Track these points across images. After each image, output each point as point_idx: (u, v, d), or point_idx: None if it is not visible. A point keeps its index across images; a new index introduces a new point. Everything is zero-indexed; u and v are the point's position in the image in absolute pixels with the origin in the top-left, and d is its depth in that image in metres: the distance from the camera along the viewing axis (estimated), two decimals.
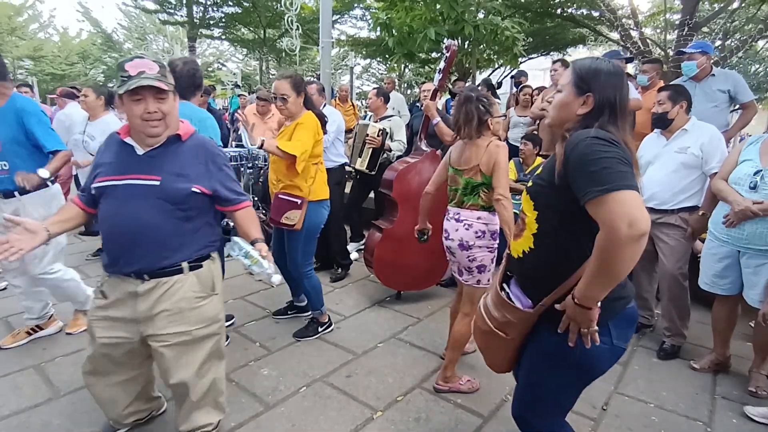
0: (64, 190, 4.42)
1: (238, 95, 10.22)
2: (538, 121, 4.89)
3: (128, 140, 1.73)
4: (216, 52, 26.45)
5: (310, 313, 3.15)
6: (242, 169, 5.19)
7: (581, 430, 2.16)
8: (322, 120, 2.90)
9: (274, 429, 2.17)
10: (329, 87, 6.06)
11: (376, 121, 4.32)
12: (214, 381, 1.89)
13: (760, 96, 14.50)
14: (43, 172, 2.67)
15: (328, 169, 2.93)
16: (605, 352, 1.33)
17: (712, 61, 3.77)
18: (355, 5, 16.79)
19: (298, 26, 7.41)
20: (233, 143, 6.99)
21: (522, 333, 1.42)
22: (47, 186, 2.75)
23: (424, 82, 7.50)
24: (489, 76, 11.88)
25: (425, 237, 2.72)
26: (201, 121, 2.51)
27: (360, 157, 4.23)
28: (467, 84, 7.10)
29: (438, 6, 7.23)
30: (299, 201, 2.77)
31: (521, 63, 9.00)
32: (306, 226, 2.82)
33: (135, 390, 1.99)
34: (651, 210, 2.74)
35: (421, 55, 8.96)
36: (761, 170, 2.34)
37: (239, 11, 17.89)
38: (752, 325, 2.70)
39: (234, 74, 20.11)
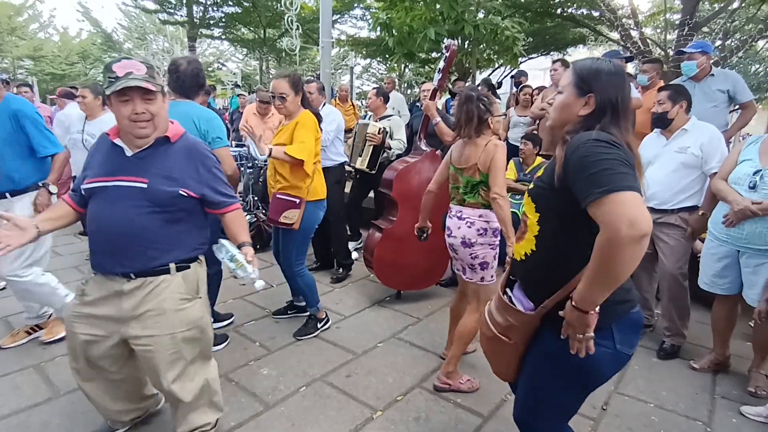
0: (63, 191, 4.42)
1: (238, 95, 10.22)
2: (537, 121, 4.89)
3: (117, 141, 1.73)
4: (216, 51, 26.45)
5: (308, 312, 3.16)
6: (242, 168, 5.20)
7: (581, 430, 2.16)
8: (318, 119, 2.91)
9: (273, 428, 2.17)
10: (329, 87, 6.07)
11: (376, 121, 4.32)
12: (206, 382, 1.88)
13: (760, 96, 14.49)
14: (53, 188, 2.71)
15: (327, 168, 2.95)
16: (607, 356, 1.31)
17: (711, 61, 3.77)
18: (355, 5, 16.81)
19: (298, 26, 7.41)
20: (233, 143, 6.99)
21: (525, 337, 1.41)
22: (38, 188, 2.73)
23: (424, 82, 7.49)
24: (489, 75, 11.87)
25: (425, 235, 2.73)
26: (209, 121, 2.51)
27: (360, 156, 4.23)
28: (467, 84, 7.10)
29: (438, 6, 7.23)
30: (298, 200, 2.78)
31: (521, 63, 9.01)
32: (302, 226, 2.83)
33: (123, 389, 1.96)
34: (651, 210, 2.74)
35: (421, 54, 8.96)
36: (761, 170, 2.35)
37: (239, 11, 17.91)
38: (752, 324, 2.70)
39: (234, 74, 20.10)
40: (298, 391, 2.45)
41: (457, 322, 2.74)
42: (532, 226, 1.38)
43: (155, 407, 2.20)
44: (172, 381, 1.77)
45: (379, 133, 4.10)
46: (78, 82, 14.85)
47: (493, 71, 13.40)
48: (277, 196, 2.81)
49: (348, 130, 5.21)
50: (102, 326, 1.75)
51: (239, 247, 1.80)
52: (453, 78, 7.95)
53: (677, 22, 9.66)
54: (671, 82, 3.65)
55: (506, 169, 2.51)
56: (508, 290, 1.49)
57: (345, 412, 2.30)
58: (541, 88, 5.47)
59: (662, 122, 2.82)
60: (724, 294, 2.58)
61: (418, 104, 5.41)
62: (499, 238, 2.41)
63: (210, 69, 23.80)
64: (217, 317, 3.06)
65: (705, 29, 11.21)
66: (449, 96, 7.12)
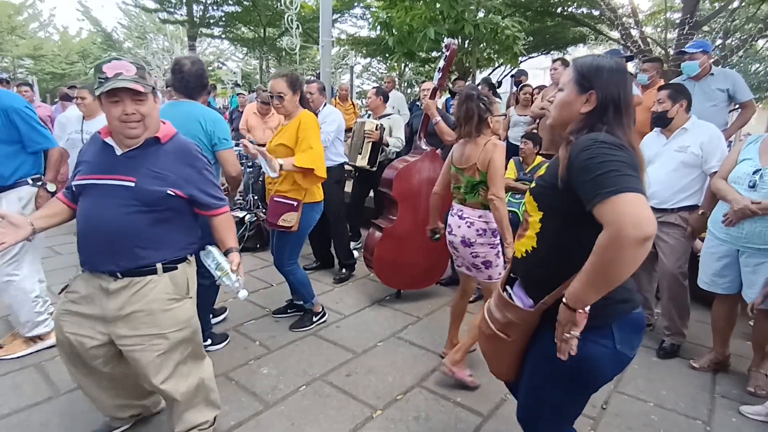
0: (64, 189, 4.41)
1: (237, 94, 10.20)
2: (538, 120, 4.89)
3: (108, 140, 1.74)
4: (216, 51, 26.47)
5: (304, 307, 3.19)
6: (242, 168, 5.19)
7: (581, 429, 2.16)
8: None
9: (273, 428, 2.18)
10: (329, 86, 6.06)
11: (376, 119, 4.34)
12: (201, 380, 1.87)
13: (761, 95, 14.48)
14: (50, 186, 2.67)
15: (328, 168, 2.94)
16: (607, 356, 1.29)
17: (712, 60, 3.77)
18: (355, 4, 16.82)
19: (298, 25, 7.40)
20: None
21: (524, 335, 1.40)
22: (28, 184, 2.68)
23: (424, 81, 7.50)
24: (489, 75, 11.87)
25: (437, 236, 2.73)
26: (215, 122, 2.51)
27: (360, 153, 4.25)
28: (467, 83, 7.10)
29: (438, 5, 7.23)
30: (295, 203, 2.78)
31: (521, 62, 9.01)
32: (299, 227, 2.84)
33: (121, 386, 1.95)
34: (651, 209, 2.74)
35: (421, 54, 8.97)
36: (760, 169, 2.34)
37: (239, 10, 17.92)
38: (752, 324, 2.70)
39: (234, 73, 20.09)
40: (298, 390, 2.46)
41: (459, 321, 2.74)
42: (533, 223, 1.37)
43: (156, 407, 2.19)
44: (163, 381, 1.76)
45: (376, 129, 4.13)
46: (78, 82, 14.83)
47: (494, 70, 13.40)
48: (275, 199, 2.81)
49: (348, 130, 5.22)
50: (89, 326, 1.74)
51: (226, 253, 1.80)
52: (453, 77, 7.95)
53: (677, 21, 9.66)
54: (671, 81, 3.65)
55: (506, 169, 2.51)
56: (508, 287, 1.49)
57: (345, 411, 2.31)
58: (541, 88, 5.46)
59: (662, 121, 2.82)
60: (724, 293, 2.58)
61: (418, 103, 5.42)
62: (499, 238, 2.41)
63: (210, 68, 23.81)
64: (213, 313, 3.06)
65: (705, 28, 11.20)
66: (449, 95, 7.11)
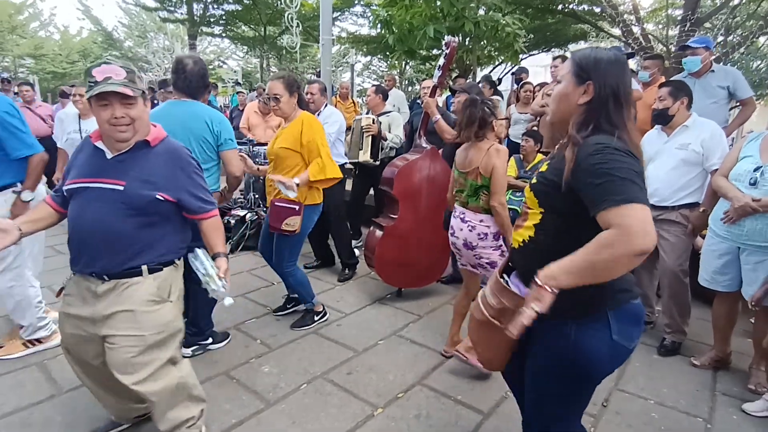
0: None
1: (238, 93, 10.21)
2: (538, 118, 4.88)
3: (99, 144, 1.74)
4: (216, 49, 26.48)
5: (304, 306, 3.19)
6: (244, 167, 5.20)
7: None
8: None
9: (274, 426, 2.18)
10: (330, 84, 6.06)
11: (376, 116, 4.36)
12: (179, 380, 1.84)
13: (762, 92, 14.43)
14: (25, 195, 2.58)
15: None
16: (603, 346, 1.28)
17: (713, 57, 3.76)
18: (356, 2, 16.81)
19: (298, 23, 7.38)
20: None
21: None
22: (14, 186, 2.63)
23: (424, 79, 7.49)
24: (490, 72, 11.85)
25: None
26: (221, 123, 2.52)
27: (361, 149, 4.26)
28: (467, 81, 7.08)
29: (438, 3, 7.22)
30: (297, 207, 2.79)
31: (522, 59, 9.00)
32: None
33: (117, 388, 1.91)
34: (652, 207, 2.72)
35: (421, 52, 8.95)
36: (761, 166, 2.34)
37: (239, 9, 17.91)
38: (753, 321, 2.70)
39: (234, 72, 20.12)
40: (299, 389, 2.46)
41: (461, 318, 2.75)
42: (533, 215, 1.37)
43: None
44: (136, 382, 1.73)
45: (373, 123, 4.17)
46: (78, 81, 14.86)
47: (494, 68, 13.38)
48: (276, 203, 2.81)
49: (349, 128, 5.23)
50: (82, 327, 1.76)
51: (214, 257, 1.80)
52: (453, 75, 7.94)
53: (679, 18, 9.63)
54: (672, 78, 3.64)
55: (506, 170, 2.52)
56: (505, 275, 1.47)
57: (346, 409, 2.31)
58: (541, 85, 5.45)
59: (663, 119, 2.81)
60: (725, 291, 2.58)
61: (418, 101, 5.42)
62: (501, 241, 2.43)
63: (211, 67, 23.82)
64: (213, 338, 2.92)
65: (707, 25, 11.16)
66: (449, 93, 7.11)
